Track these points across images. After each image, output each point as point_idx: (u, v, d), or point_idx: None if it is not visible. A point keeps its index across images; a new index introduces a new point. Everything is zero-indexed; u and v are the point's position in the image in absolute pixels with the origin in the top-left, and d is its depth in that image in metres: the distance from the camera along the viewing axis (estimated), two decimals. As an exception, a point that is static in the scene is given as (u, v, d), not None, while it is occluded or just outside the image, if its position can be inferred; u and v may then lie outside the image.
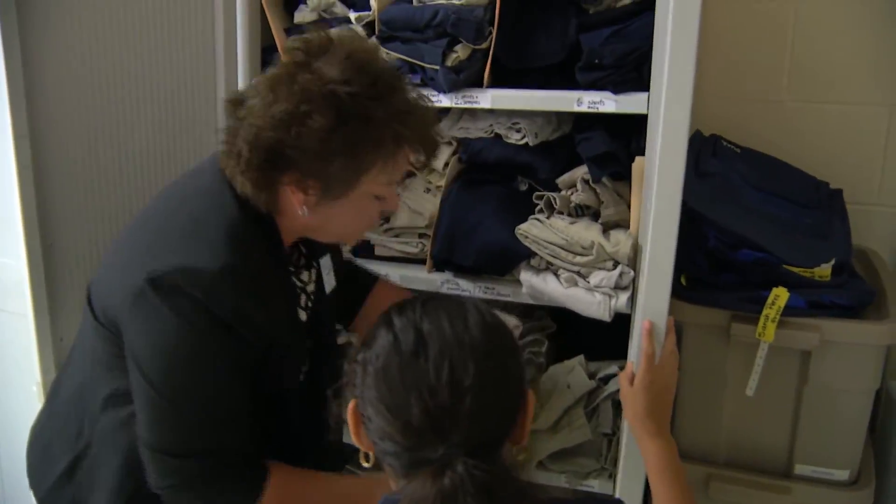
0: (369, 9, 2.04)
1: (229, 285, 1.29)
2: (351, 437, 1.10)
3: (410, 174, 1.56)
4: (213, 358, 1.32)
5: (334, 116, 1.27)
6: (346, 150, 1.30)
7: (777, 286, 1.71)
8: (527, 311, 2.23)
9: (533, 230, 1.94)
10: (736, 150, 2.12)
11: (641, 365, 1.60)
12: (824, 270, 1.76)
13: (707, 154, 2.01)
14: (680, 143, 1.59)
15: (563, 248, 1.90)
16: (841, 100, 2.32)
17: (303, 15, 2.14)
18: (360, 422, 1.05)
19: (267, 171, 1.32)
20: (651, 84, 1.74)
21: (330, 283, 1.64)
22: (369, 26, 2.04)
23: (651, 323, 1.61)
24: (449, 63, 1.91)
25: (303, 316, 1.55)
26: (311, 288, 1.59)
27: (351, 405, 1.07)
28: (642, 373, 1.59)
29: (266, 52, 2.22)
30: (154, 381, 1.31)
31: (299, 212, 1.37)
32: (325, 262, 1.63)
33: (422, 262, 2.12)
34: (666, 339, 1.62)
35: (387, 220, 2.17)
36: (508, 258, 1.99)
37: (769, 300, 1.68)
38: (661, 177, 1.60)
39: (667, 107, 1.60)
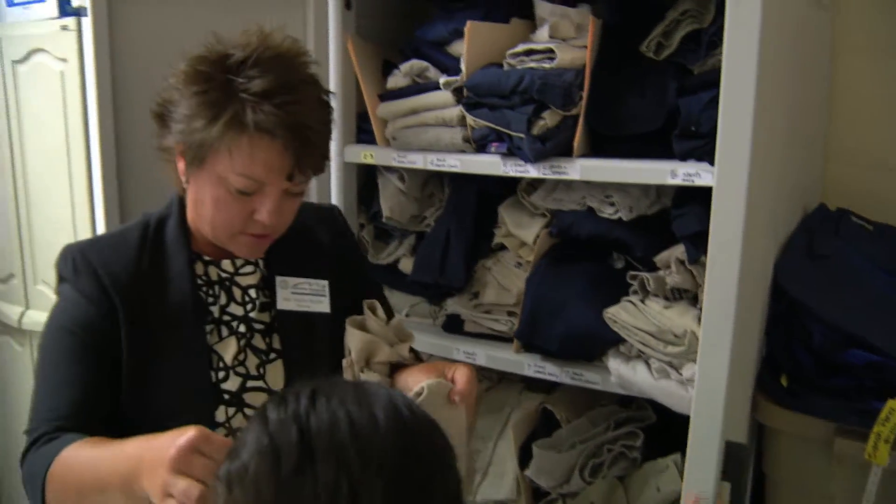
0: (460, 73, 1.92)
1: (83, 250, 1.37)
2: None
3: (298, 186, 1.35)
4: (57, 321, 1.34)
5: (202, 74, 1.27)
6: (202, 111, 1.26)
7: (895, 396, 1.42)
8: (624, 400, 2.02)
9: (622, 314, 1.75)
10: (867, 227, 1.82)
11: None
12: (960, 379, 1.45)
13: (827, 232, 1.74)
14: (736, 222, 1.46)
15: (653, 336, 1.71)
16: None
17: (395, 80, 2.06)
18: None
19: (161, 129, 1.35)
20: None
21: (302, 303, 1.51)
22: (458, 91, 1.93)
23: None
24: (535, 131, 1.78)
25: (239, 311, 1.45)
26: (246, 282, 1.48)
27: None
28: None
29: (361, 118, 2.16)
30: None
31: (182, 182, 1.38)
32: (291, 282, 1.51)
33: (511, 340, 1.97)
34: None
35: (476, 294, 2.03)
36: (596, 343, 1.83)
37: (882, 415, 1.41)
38: (712, 269, 1.41)
39: (720, 183, 1.44)
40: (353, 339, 1.50)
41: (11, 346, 3.03)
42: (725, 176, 1.50)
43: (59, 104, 2.60)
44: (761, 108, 1.46)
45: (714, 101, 1.61)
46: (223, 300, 1.44)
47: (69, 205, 2.66)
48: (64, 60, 2.55)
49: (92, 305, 1.33)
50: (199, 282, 1.43)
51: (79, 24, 2.44)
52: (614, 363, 1.78)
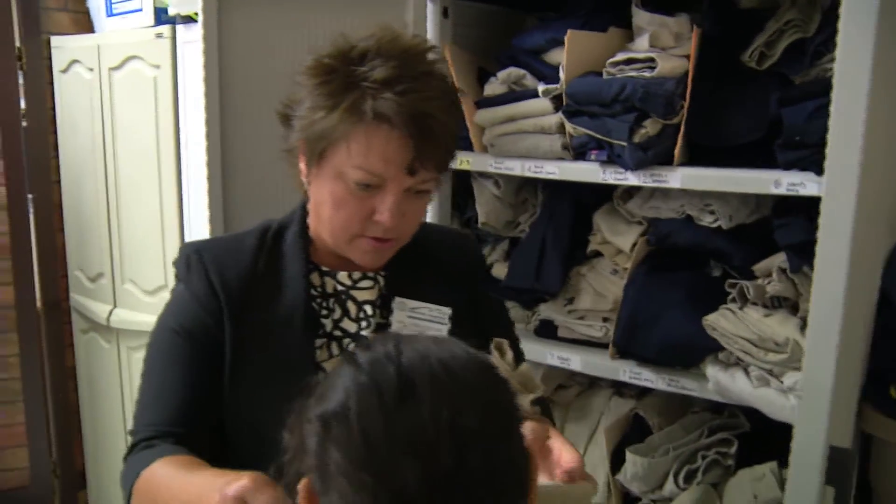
0: (559, 81, 1.96)
1: (199, 249, 1.34)
2: None
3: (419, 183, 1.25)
4: (166, 322, 1.32)
5: (325, 66, 1.22)
6: (322, 101, 1.22)
7: None
8: (718, 406, 2.04)
9: (722, 322, 1.78)
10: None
11: None
12: None
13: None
14: (844, 233, 1.51)
15: (754, 344, 1.74)
16: None
17: (493, 87, 2.12)
18: (315, 497, 0.78)
19: (286, 129, 1.31)
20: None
21: (419, 328, 1.41)
22: (557, 100, 1.97)
23: None
24: (636, 139, 1.81)
25: (352, 327, 1.37)
26: (362, 297, 1.40)
27: (303, 485, 0.79)
28: None
29: (456, 125, 2.21)
30: None
31: (304, 183, 1.32)
32: (410, 304, 1.43)
33: (605, 346, 2.00)
34: None
35: (570, 300, 2.07)
36: (694, 351, 1.86)
37: None
38: (819, 279, 1.47)
39: (828, 193, 1.51)
40: None
41: (99, 342, 3.14)
42: (834, 186, 1.53)
43: (150, 109, 2.70)
44: (873, 117, 1.48)
45: (820, 111, 1.64)
46: (337, 314, 1.37)
47: (158, 207, 2.76)
48: (157, 67, 2.65)
49: (200, 307, 1.30)
50: (314, 293, 1.37)
51: (173, 32, 2.55)
52: (712, 370, 1.80)
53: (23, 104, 3.13)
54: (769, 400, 1.71)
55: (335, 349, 1.36)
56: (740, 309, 1.79)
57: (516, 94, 2.06)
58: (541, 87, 1.99)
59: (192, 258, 1.32)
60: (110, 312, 3.01)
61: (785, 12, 1.80)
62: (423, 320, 1.41)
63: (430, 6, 2.17)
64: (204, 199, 2.20)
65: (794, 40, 1.77)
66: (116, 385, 3.11)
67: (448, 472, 0.69)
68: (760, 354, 1.73)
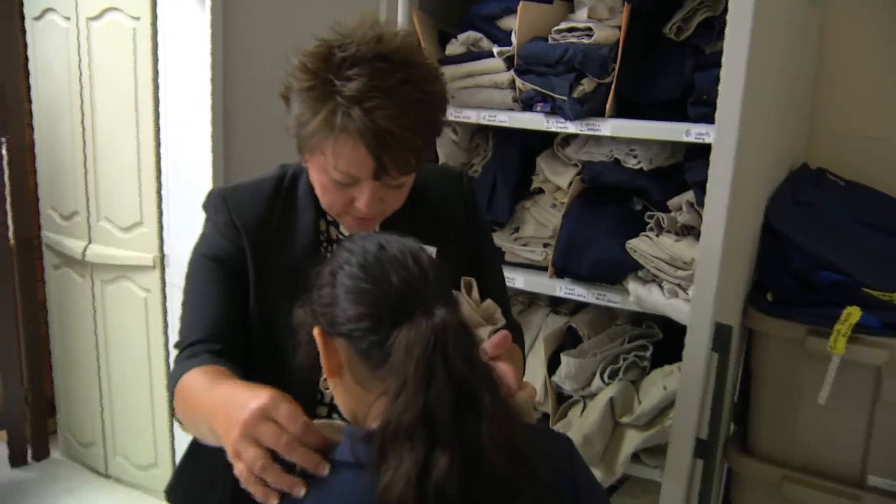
0: (511, 44, 2.40)
1: (223, 194, 1.56)
2: (325, 373, 1.16)
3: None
4: (199, 251, 1.54)
5: (309, 71, 1.38)
6: (305, 108, 1.39)
7: (854, 306, 1.93)
8: (637, 319, 2.53)
9: (641, 246, 2.24)
10: (840, 182, 2.34)
11: None
12: (903, 295, 1.97)
13: (808, 185, 2.24)
14: (725, 173, 2.01)
15: (667, 263, 2.20)
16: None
17: (453, 48, 2.54)
18: (328, 338, 1.14)
19: (287, 110, 1.47)
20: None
21: None
22: (509, 60, 2.41)
23: None
24: (575, 94, 2.26)
25: None
26: None
27: (316, 330, 1.14)
28: None
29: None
30: None
31: (303, 161, 1.51)
32: None
33: (545, 268, 2.46)
34: None
35: (516, 229, 2.52)
36: (619, 269, 2.32)
37: (842, 317, 1.92)
38: (708, 207, 1.99)
39: (717, 140, 1.99)
40: None
41: (72, 276, 3.45)
42: (722, 134, 2.01)
43: (129, 58, 3.00)
44: (752, 83, 1.97)
45: (723, 76, 2.12)
46: None
47: (135, 150, 3.08)
48: (137, 19, 2.95)
49: (227, 240, 1.51)
50: (321, 237, 1.58)
51: (152, -16, 2.87)
52: (633, 285, 2.28)
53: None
54: (678, 308, 2.18)
55: None
56: (657, 235, 2.26)
57: (474, 54, 2.49)
58: (495, 49, 2.43)
59: (218, 202, 1.55)
60: (85, 248, 3.32)
61: (699, -8, 2.26)
62: None
63: (398, -25, 2.57)
64: (182, 143, 2.51)
65: (706, 17, 2.22)
66: (89, 317, 3.43)
67: (416, 274, 1.11)
68: (671, 271, 2.20)
